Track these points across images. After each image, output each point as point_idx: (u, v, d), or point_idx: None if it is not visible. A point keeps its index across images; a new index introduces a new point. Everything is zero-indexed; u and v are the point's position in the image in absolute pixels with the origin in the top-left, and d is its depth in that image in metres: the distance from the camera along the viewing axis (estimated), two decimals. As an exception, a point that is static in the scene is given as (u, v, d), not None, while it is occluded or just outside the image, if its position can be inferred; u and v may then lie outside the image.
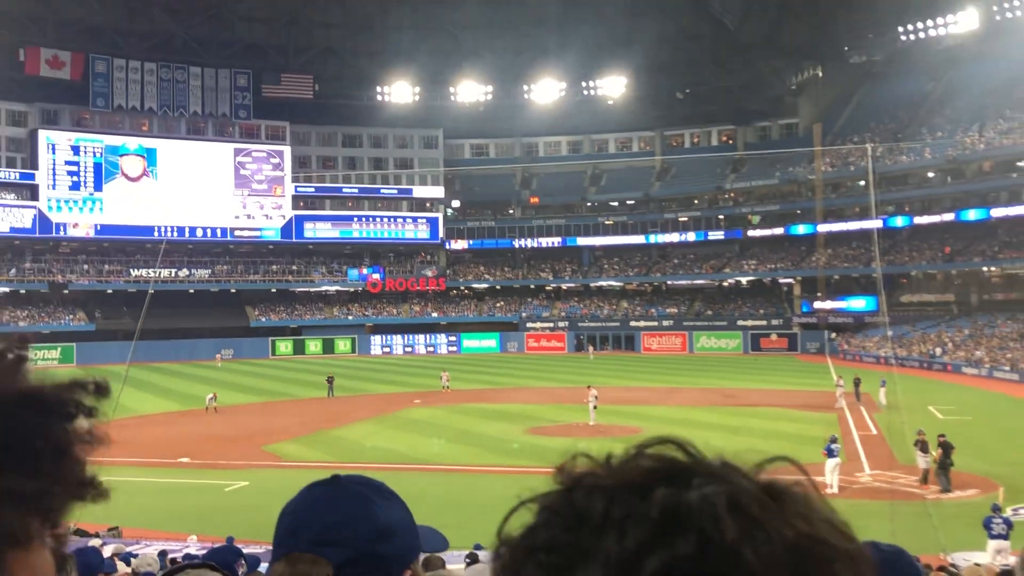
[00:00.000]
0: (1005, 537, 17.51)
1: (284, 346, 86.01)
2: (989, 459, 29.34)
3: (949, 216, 73.95)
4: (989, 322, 67.93)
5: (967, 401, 45.53)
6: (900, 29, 78.03)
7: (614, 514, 0.81)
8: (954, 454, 25.83)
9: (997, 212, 70.84)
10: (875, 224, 67.71)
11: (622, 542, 0.78)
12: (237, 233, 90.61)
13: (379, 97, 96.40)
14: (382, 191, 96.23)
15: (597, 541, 0.80)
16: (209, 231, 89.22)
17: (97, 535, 18.72)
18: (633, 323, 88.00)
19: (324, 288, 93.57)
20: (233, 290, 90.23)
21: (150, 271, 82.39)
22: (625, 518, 0.80)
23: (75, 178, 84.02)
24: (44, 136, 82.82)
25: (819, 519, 0.82)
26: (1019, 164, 70.30)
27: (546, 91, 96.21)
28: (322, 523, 1.56)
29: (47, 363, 73.51)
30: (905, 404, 38.75)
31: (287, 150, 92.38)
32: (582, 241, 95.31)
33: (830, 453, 25.27)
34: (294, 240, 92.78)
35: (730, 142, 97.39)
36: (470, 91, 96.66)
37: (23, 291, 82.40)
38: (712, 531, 0.77)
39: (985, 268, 74.54)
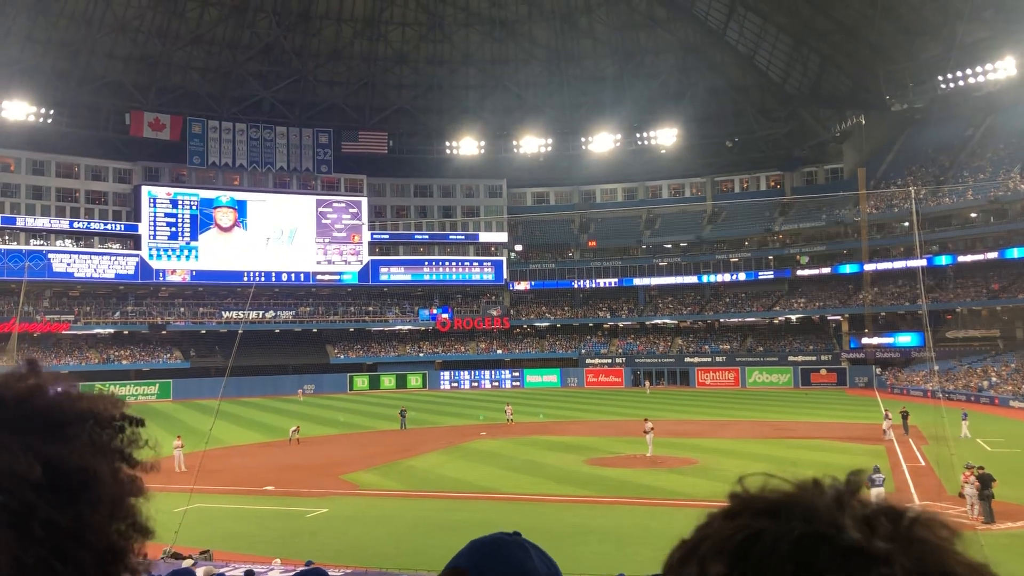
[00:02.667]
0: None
1: (361, 381, 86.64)
2: (1038, 491, 28.17)
3: (992, 254, 71.81)
4: (1036, 356, 65.50)
5: (1015, 433, 43.86)
6: (940, 78, 76.52)
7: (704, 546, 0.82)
8: (995, 486, 24.83)
9: (1040, 250, 68.56)
10: (920, 263, 66.02)
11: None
12: (318, 277, 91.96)
13: (448, 151, 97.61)
14: (450, 237, 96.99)
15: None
16: (293, 276, 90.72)
17: (190, 557, 19.05)
18: (687, 359, 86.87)
19: (397, 327, 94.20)
20: (315, 330, 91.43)
21: (240, 313, 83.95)
22: (705, 542, 0.82)
23: (173, 229, 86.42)
24: (146, 191, 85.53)
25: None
26: (1061, 204, 68.11)
27: (602, 142, 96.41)
28: (512, 567, 1.57)
29: (147, 398, 75.39)
30: (953, 437, 37.47)
31: (364, 201, 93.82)
32: (638, 281, 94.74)
33: (871, 483, 24.52)
34: (370, 283, 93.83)
35: (778, 187, 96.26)
36: (531, 143, 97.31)
37: (126, 332, 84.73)
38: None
39: (1030, 304, 71.98)
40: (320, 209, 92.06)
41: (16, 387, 1.05)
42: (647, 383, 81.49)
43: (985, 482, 24.75)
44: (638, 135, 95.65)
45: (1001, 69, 71.42)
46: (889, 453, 37.20)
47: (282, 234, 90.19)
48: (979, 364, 68.56)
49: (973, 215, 75.06)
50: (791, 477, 0.90)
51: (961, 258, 74.22)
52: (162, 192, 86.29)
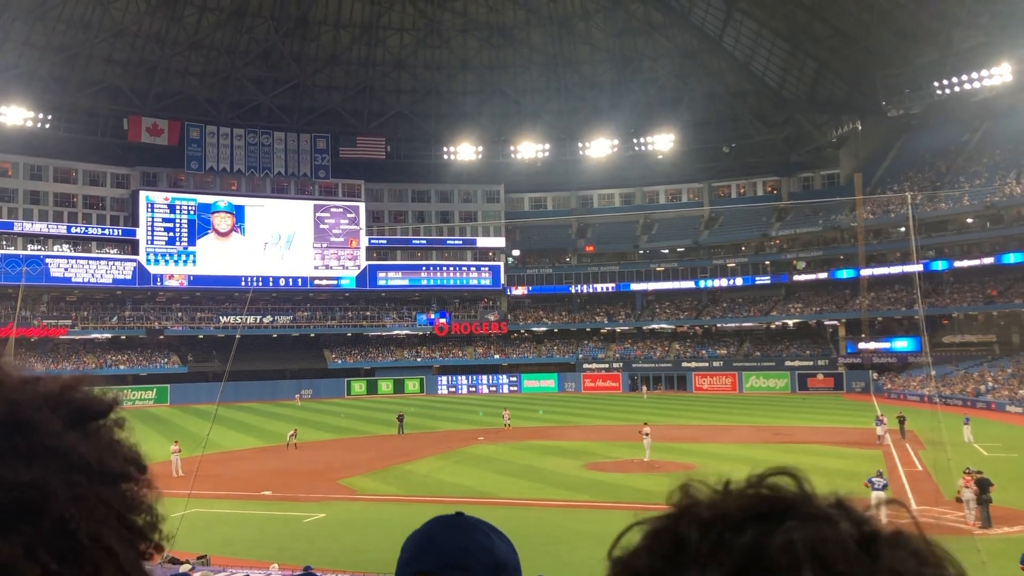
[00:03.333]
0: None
1: (358, 386, 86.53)
2: (1035, 495, 28.17)
3: (989, 260, 71.89)
4: (1032, 361, 65.57)
5: (1011, 438, 43.87)
6: (936, 84, 76.75)
7: (702, 548, 0.76)
8: (993, 491, 24.83)
9: (1036, 255, 68.68)
10: (916, 268, 66.23)
11: None
12: (316, 282, 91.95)
13: (445, 156, 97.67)
14: (448, 242, 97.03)
15: (682, 573, 0.76)
16: (291, 281, 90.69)
17: (187, 562, 19.00)
18: (685, 364, 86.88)
19: (395, 332, 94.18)
20: (312, 335, 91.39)
21: (237, 318, 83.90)
22: (709, 554, 0.75)
23: (171, 234, 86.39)
24: (144, 196, 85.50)
25: None
26: (1057, 209, 68.25)
27: (600, 147, 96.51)
28: (449, 549, 1.56)
29: (144, 403, 75.23)
30: (951, 441, 37.49)
31: (362, 206, 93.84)
32: (635, 286, 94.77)
33: (872, 486, 24.50)
34: (368, 288, 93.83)
35: (774, 192, 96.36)
36: (529, 149, 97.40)
37: (123, 337, 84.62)
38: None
39: (1026, 309, 72.08)
40: (318, 214, 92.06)
41: None
42: (644, 388, 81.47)
43: (983, 487, 24.74)
44: (635, 140, 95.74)
45: (997, 75, 71.63)
46: (886, 458, 37.20)
47: (280, 239, 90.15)
48: (976, 369, 68.63)
49: (969, 220, 75.18)
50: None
51: (957, 263, 74.34)
52: (160, 197, 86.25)
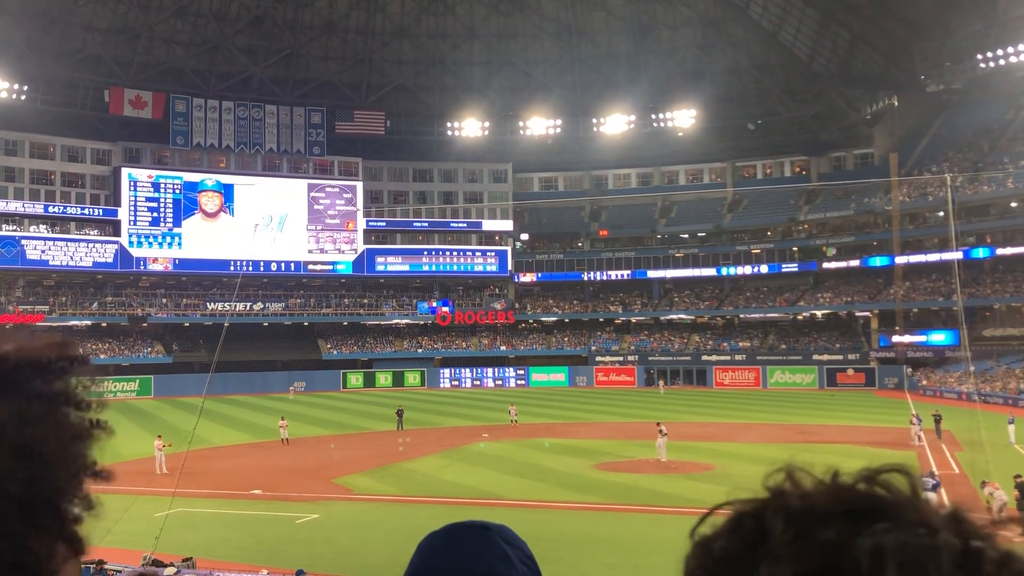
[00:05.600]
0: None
1: (355, 379, 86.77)
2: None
3: (1034, 247, 71.55)
4: (1079, 357, 65.33)
5: (1056, 440, 43.69)
6: (979, 56, 76.21)
7: (783, 539, 0.76)
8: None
9: (1085, 243, 68.33)
10: (955, 255, 65.92)
11: (774, 571, 0.74)
12: (310, 267, 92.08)
13: (449, 132, 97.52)
14: (451, 225, 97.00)
15: (760, 563, 0.76)
16: (283, 265, 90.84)
17: (172, 565, 19.09)
18: (705, 357, 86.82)
19: (394, 321, 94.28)
20: (306, 323, 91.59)
21: (226, 305, 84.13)
22: (789, 546, 0.75)
23: (155, 214, 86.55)
24: (126, 173, 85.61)
25: None
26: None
27: (615, 124, 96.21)
28: (450, 559, 1.55)
29: (126, 395, 75.55)
30: (991, 442, 37.39)
31: (359, 185, 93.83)
32: (652, 274, 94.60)
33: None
34: (365, 274, 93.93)
35: (803, 173, 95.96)
36: (539, 125, 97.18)
37: (104, 324, 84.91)
38: None
39: (1074, 301, 71.75)
40: (312, 194, 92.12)
41: None
42: (661, 383, 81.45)
43: (1024, 491, 24.74)
44: (654, 117, 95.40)
45: (1045, 47, 71.10)
46: (920, 460, 37.14)
47: (271, 220, 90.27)
48: (1018, 365, 68.38)
49: (1013, 204, 74.75)
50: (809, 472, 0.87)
51: (1000, 250, 74.02)
52: (143, 175, 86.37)
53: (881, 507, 0.77)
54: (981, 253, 75.17)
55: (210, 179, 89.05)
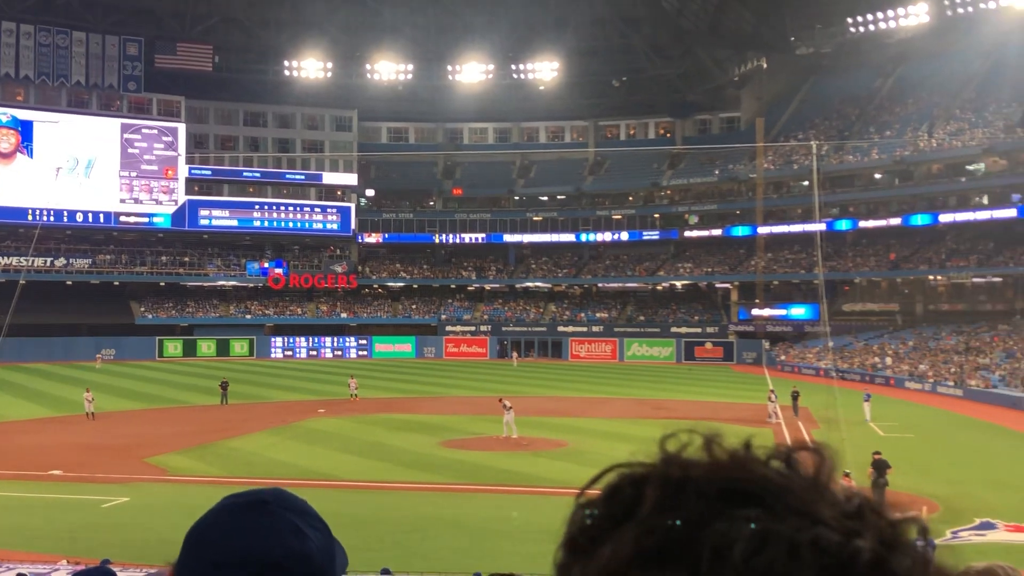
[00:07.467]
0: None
1: (173, 347, 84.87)
2: (931, 479, 30.36)
3: (896, 220, 76.20)
4: (934, 334, 70.27)
5: (909, 417, 47.01)
6: (849, 20, 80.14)
7: (647, 512, 0.78)
8: (890, 473, 26.53)
9: (945, 217, 73.37)
10: (818, 227, 69.40)
11: (617, 545, 0.76)
12: (122, 219, 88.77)
13: (287, 72, 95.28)
14: (288, 176, 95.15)
15: (613, 533, 0.78)
16: (91, 216, 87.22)
17: (-47, 557, 18.18)
18: (561, 328, 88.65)
19: (220, 283, 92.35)
20: (116, 283, 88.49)
21: (21, 259, 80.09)
22: (643, 522, 0.77)
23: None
24: (-100, 103, 79.99)
25: None
26: (969, 168, 72.90)
27: (472, 73, 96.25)
28: (240, 541, 1.47)
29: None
30: (847, 420, 39.84)
31: (181, 128, 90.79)
32: (508, 238, 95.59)
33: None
34: (187, 228, 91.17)
35: (668, 135, 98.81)
36: (388, 69, 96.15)
37: None
38: (705, 574, 0.71)
39: (931, 277, 77.06)
40: (126, 135, 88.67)
41: None
42: (515, 355, 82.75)
43: (880, 469, 26.31)
44: (513, 68, 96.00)
45: (913, 15, 75.40)
46: (776, 436, 39.18)
47: (78, 164, 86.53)
48: (876, 341, 72.96)
49: (878, 176, 79.34)
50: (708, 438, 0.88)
51: (862, 223, 78.47)
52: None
53: (767, 490, 0.77)
54: (844, 225, 79.46)
55: (4, 114, 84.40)
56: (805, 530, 0.73)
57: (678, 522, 0.75)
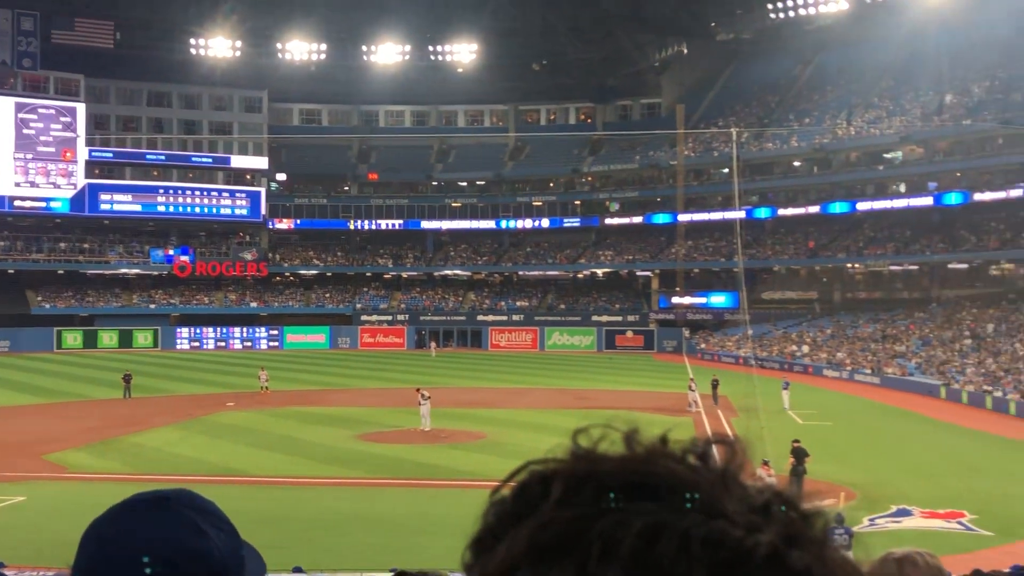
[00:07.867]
0: (847, 548, 18.60)
1: (72, 338, 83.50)
2: (849, 467, 31.17)
3: (814, 208, 78.08)
4: (851, 322, 72.23)
5: (828, 405, 48.27)
6: (769, 6, 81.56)
7: (547, 507, 0.78)
8: (809, 461, 27.12)
9: (863, 205, 75.49)
10: (738, 215, 70.58)
11: (513, 544, 0.76)
12: (17, 203, 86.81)
13: (193, 51, 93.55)
14: (194, 159, 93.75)
15: (512, 530, 0.79)
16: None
17: None
18: (480, 317, 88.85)
19: (122, 271, 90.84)
20: (11, 271, 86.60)
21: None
22: (547, 515, 0.77)
23: None
24: None
25: None
26: (886, 156, 75.00)
27: (388, 53, 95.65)
28: (133, 547, 1.45)
29: None
30: (765, 408, 40.69)
31: (81, 107, 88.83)
32: (426, 224, 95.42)
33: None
34: (87, 214, 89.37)
35: (588, 121, 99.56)
36: (300, 49, 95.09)
37: None
38: (593, 568, 0.72)
39: (849, 265, 79.16)
40: (21, 115, 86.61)
41: None
42: (433, 345, 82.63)
43: (799, 457, 26.89)
44: (431, 49, 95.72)
45: (833, 1, 77.09)
46: (696, 425, 39.84)
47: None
48: (795, 329, 74.72)
49: (797, 164, 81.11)
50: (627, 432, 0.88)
51: (781, 211, 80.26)
52: None
53: (672, 485, 0.77)
54: (763, 213, 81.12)
55: None
56: (701, 525, 0.73)
57: (572, 517, 0.75)
